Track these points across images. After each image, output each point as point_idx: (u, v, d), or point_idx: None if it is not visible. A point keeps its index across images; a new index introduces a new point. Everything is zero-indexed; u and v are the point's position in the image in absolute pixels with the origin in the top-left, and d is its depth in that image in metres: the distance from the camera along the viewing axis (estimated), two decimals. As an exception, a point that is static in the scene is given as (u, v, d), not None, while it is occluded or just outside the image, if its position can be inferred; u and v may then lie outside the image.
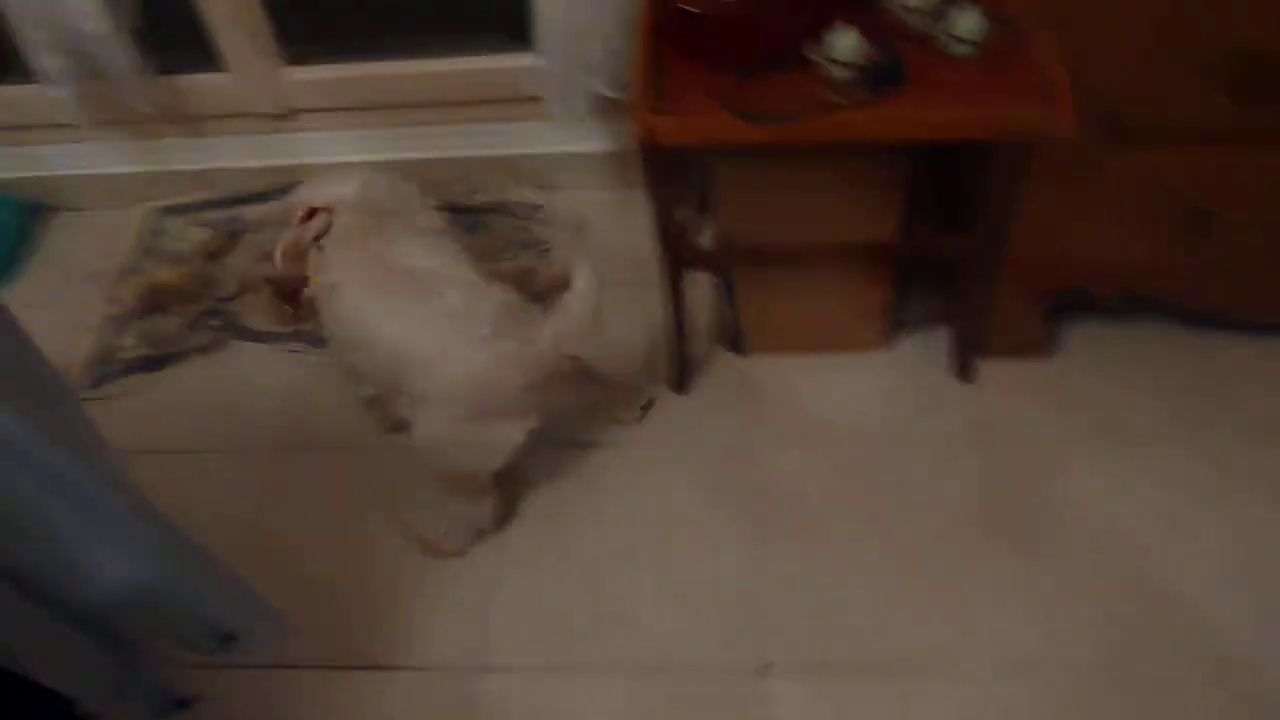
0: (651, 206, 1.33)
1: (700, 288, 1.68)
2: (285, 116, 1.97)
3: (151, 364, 1.78)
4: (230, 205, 2.07)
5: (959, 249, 1.42)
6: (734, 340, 1.67)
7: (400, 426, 1.41)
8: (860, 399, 1.61)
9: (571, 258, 1.80)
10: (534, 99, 1.79)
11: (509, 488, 1.50)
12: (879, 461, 1.52)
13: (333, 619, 1.42)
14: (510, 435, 1.29)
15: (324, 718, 1.34)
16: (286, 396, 1.71)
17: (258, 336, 1.81)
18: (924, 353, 1.65)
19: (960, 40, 1.21)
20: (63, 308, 1.93)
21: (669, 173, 1.31)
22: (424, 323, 1.28)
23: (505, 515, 1.50)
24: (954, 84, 1.22)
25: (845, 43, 1.18)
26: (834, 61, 1.19)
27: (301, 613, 1.40)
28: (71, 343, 1.85)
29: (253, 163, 2.05)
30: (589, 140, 1.92)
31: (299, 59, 1.92)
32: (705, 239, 1.65)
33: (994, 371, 1.62)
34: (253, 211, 2.02)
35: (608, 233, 1.91)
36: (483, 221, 1.94)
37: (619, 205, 1.96)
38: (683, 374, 1.61)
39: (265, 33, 1.85)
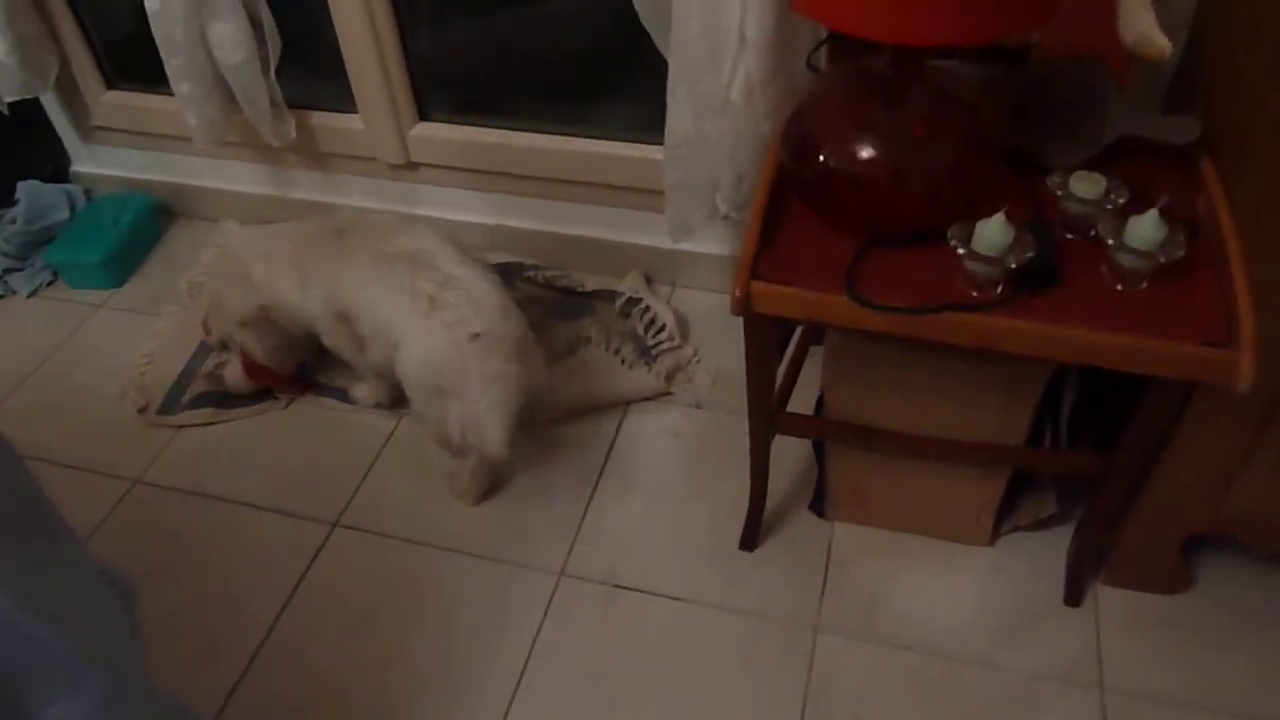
0: (747, 370, 1.20)
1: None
2: (407, 166, 1.92)
3: (225, 400, 1.75)
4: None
5: (1092, 468, 1.23)
6: (817, 500, 1.51)
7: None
8: (951, 601, 1.42)
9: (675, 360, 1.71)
10: (660, 192, 1.69)
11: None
12: (961, 686, 1.33)
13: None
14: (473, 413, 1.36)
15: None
16: (354, 465, 1.64)
17: (333, 392, 1.76)
18: (1031, 560, 1.45)
19: (1131, 251, 1.03)
20: (161, 318, 1.93)
21: (770, 336, 1.17)
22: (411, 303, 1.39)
23: (484, 489, 1.57)
24: (1112, 299, 1.04)
25: (992, 236, 1.02)
26: (976, 255, 1.03)
27: (296, 706, 1.34)
28: (157, 357, 1.84)
29: (370, 204, 2.03)
30: (710, 241, 1.81)
31: (431, 114, 1.87)
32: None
33: (1110, 599, 1.41)
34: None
35: (711, 341, 1.78)
36: (590, 307, 1.84)
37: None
38: (753, 530, 1.46)
39: (402, 84, 1.81)
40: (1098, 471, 1.22)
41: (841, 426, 1.30)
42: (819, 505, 1.51)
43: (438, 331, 1.34)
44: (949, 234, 1.05)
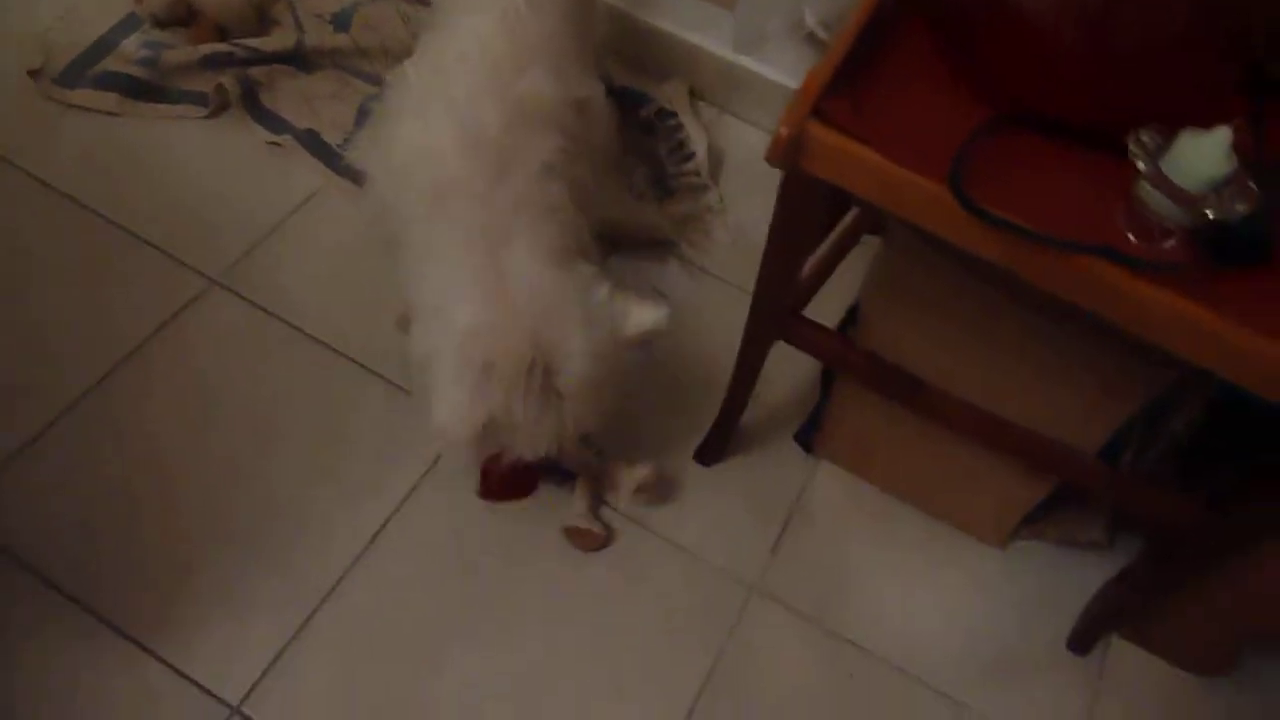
0: (767, 244, 0.84)
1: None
2: None
3: (136, 89, 1.38)
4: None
5: (1188, 523, 0.88)
6: (806, 430, 1.18)
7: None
8: (931, 604, 1.12)
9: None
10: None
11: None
12: (906, 714, 1.04)
13: (128, 549, 1.05)
14: None
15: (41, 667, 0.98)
16: (263, 215, 1.30)
17: (268, 119, 1.39)
18: (1044, 582, 1.14)
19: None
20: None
21: (814, 206, 0.80)
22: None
23: None
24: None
25: (1202, 159, 0.64)
26: (1164, 181, 0.65)
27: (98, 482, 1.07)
28: (73, 15, 1.46)
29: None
30: (784, 65, 1.39)
31: None
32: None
33: (1123, 658, 1.11)
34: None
35: (745, 192, 1.40)
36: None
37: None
38: (717, 444, 1.14)
39: None
40: (1193, 530, 0.88)
41: (870, 364, 0.95)
42: (807, 437, 1.18)
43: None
44: (1132, 139, 0.67)
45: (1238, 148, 0.64)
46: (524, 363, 0.84)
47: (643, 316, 0.88)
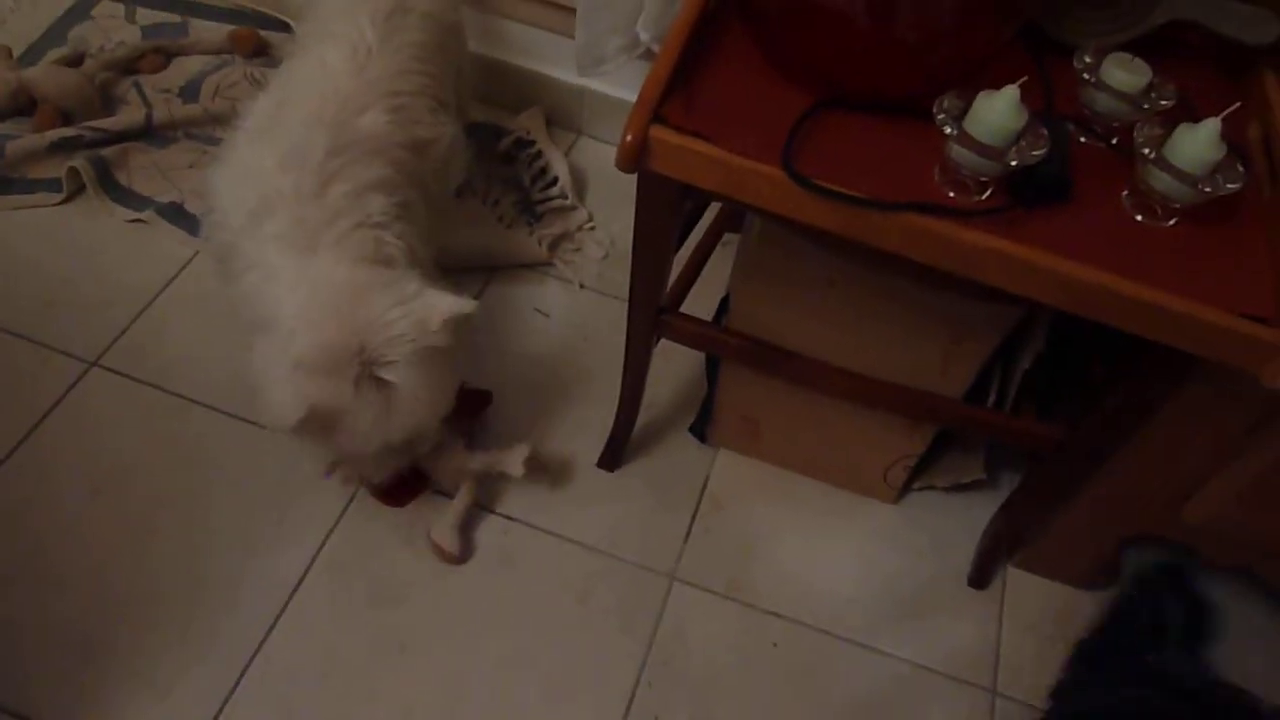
0: (634, 249, 0.89)
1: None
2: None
3: (-15, 183, 1.36)
4: (184, 10, 1.63)
5: (1050, 444, 0.97)
6: (700, 422, 1.24)
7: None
8: (837, 564, 1.18)
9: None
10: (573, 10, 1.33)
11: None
12: (830, 668, 1.10)
13: (35, 642, 1.03)
14: None
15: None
16: (134, 292, 1.29)
17: (127, 197, 1.38)
18: (939, 527, 1.22)
19: (1173, 170, 0.75)
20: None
21: (671, 207, 0.86)
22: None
23: None
24: (1129, 234, 0.77)
25: (997, 116, 0.72)
26: (968, 139, 0.73)
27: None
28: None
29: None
30: (629, 83, 1.46)
31: None
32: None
33: (1020, 586, 1.19)
34: (203, 32, 1.59)
35: (612, 208, 1.46)
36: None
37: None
38: (617, 447, 1.19)
39: None
40: (1055, 452, 0.96)
41: (745, 343, 1.01)
42: (701, 428, 1.24)
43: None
44: (936, 106, 0.74)
45: (1030, 101, 0.73)
46: (340, 353, 0.87)
47: (448, 303, 0.91)
